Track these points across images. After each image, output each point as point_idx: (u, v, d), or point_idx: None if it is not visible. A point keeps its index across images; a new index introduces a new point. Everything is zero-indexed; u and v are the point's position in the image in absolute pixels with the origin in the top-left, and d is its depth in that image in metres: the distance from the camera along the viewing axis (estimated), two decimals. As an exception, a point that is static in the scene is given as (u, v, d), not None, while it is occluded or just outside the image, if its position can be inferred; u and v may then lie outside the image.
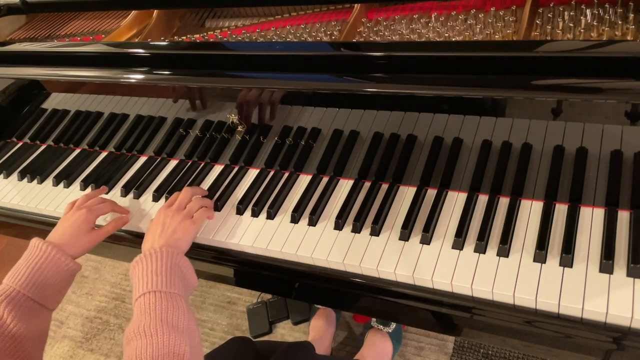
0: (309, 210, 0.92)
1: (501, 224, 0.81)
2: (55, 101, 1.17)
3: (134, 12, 1.19)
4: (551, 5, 0.88)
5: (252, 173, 1.04)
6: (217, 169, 1.07)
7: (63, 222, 0.91)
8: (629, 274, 0.70)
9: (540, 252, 0.75)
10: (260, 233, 0.91)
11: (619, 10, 0.81)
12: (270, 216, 0.93)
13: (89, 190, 1.10)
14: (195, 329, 0.71)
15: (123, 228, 1.02)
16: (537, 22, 0.86)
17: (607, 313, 0.67)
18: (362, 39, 0.96)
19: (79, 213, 0.92)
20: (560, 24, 0.83)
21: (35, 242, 0.85)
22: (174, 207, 0.90)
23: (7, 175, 1.21)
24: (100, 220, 0.97)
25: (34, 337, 0.77)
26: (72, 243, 0.88)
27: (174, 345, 0.65)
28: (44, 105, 1.20)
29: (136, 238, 1.02)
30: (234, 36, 1.08)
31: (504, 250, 0.77)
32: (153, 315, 0.68)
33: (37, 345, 0.77)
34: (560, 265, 0.74)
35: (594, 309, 0.68)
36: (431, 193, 0.89)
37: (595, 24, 0.81)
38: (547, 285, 0.72)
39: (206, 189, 1.02)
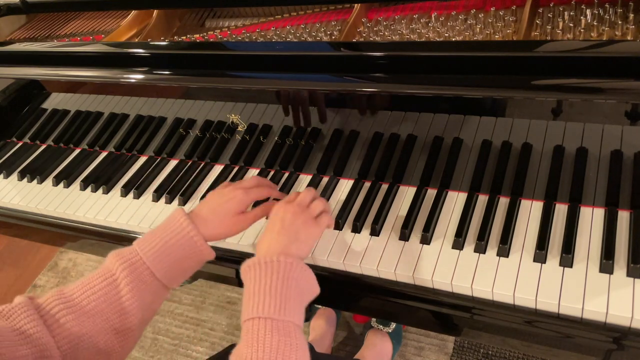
0: (309, 210, 0.92)
1: (501, 224, 0.81)
2: (55, 101, 1.17)
3: (134, 12, 1.19)
4: (551, 5, 0.88)
5: (252, 173, 1.04)
6: (217, 169, 1.07)
7: (216, 197, 0.82)
8: (629, 274, 0.70)
9: (540, 252, 0.75)
10: (260, 233, 0.91)
11: (619, 10, 0.81)
12: (270, 216, 0.93)
13: (89, 190, 1.10)
14: None
15: (127, 229, 1.02)
16: (537, 22, 0.86)
17: (607, 313, 0.67)
18: (362, 39, 0.96)
19: (236, 193, 0.82)
20: (560, 24, 0.83)
21: (178, 213, 0.77)
22: (296, 202, 0.79)
23: (7, 175, 1.21)
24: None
25: (143, 313, 0.72)
26: (217, 224, 0.79)
27: None
28: (44, 105, 1.20)
29: (134, 236, 1.02)
30: (234, 36, 1.08)
31: (504, 250, 0.77)
32: (261, 351, 0.62)
33: (142, 323, 0.73)
34: (560, 265, 0.74)
35: (594, 309, 0.68)
36: (431, 193, 0.89)
37: (595, 24, 0.81)
38: (547, 285, 0.72)
39: (206, 189, 1.02)
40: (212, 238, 0.79)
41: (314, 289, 0.72)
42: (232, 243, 0.91)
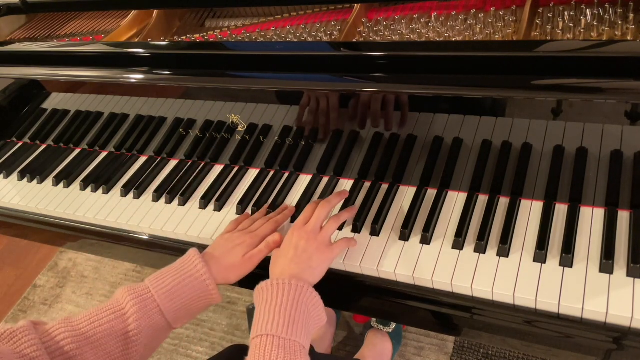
0: (309, 210, 0.92)
1: (501, 224, 0.81)
2: (55, 101, 1.17)
3: (134, 12, 1.19)
4: (551, 5, 0.88)
5: (252, 173, 1.04)
6: (217, 169, 1.07)
7: (226, 243, 0.84)
8: (629, 274, 0.70)
9: (540, 252, 0.75)
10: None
11: (619, 10, 0.81)
12: (270, 216, 0.93)
13: (89, 190, 1.10)
14: None
15: (127, 229, 1.02)
16: (537, 22, 0.86)
17: (607, 313, 0.67)
18: (362, 39, 0.96)
19: (244, 238, 0.84)
20: (560, 24, 0.83)
21: (193, 255, 0.79)
22: (309, 228, 0.80)
23: (7, 175, 1.21)
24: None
25: (145, 349, 0.73)
26: (228, 267, 0.81)
27: None
28: (44, 105, 1.20)
29: (134, 236, 1.02)
30: (234, 36, 1.08)
31: (504, 250, 0.77)
32: None
33: (142, 358, 0.74)
34: (560, 265, 0.74)
35: (594, 309, 0.68)
36: (431, 193, 0.89)
37: (595, 24, 0.81)
38: (547, 285, 0.72)
39: (206, 189, 1.02)
40: (222, 281, 0.81)
41: (321, 317, 0.75)
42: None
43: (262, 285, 0.73)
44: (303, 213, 0.85)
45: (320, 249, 0.79)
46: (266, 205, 0.95)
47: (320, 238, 0.80)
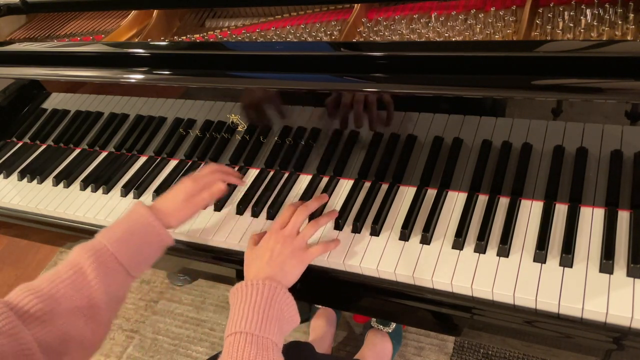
0: (309, 210, 0.92)
1: (501, 224, 0.81)
2: (55, 101, 1.17)
3: (134, 12, 1.19)
4: (551, 5, 0.88)
5: (252, 173, 1.04)
6: (217, 169, 1.06)
7: (169, 190, 0.90)
8: (629, 274, 0.70)
9: (540, 252, 0.75)
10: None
11: (619, 10, 0.81)
12: (270, 216, 0.93)
13: (89, 190, 1.10)
14: None
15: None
16: (537, 22, 0.86)
17: (607, 313, 0.67)
18: (362, 39, 0.96)
19: (185, 182, 0.89)
20: (560, 24, 0.83)
21: (138, 205, 0.84)
22: (286, 231, 0.82)
23: (7, 175, 1.21)
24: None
25: (110, 299, 0.75)
26: (171, 211, 0.86)
27: None
28: (44, 105, 1.20)
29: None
30: (234, 36, 1.08)
31: (504, 250, 0.77)
32: None
33: (110, 310, 0.75)
34: (560, 265, 0.74)
35: (594, 309, 0.68)
36: (431, 193, 0.89)
37: (595, 24, 0.81)
38: (547, 285, 0.72)
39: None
40: (169, 225, 0.85)
41: (295, 318, 0.76)
42: (233, 243, 0.91)
43: (237, 286, 0.75)
44: (281, 216, 0.85)
45: (295, 253, 0.80)
46: None
47: (296, 243, 0.81)
